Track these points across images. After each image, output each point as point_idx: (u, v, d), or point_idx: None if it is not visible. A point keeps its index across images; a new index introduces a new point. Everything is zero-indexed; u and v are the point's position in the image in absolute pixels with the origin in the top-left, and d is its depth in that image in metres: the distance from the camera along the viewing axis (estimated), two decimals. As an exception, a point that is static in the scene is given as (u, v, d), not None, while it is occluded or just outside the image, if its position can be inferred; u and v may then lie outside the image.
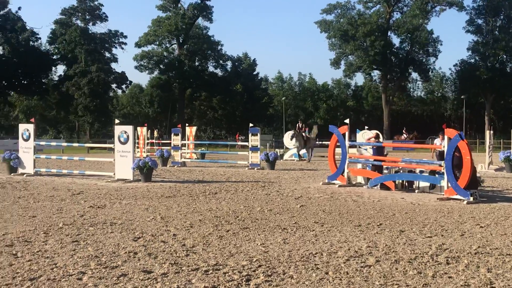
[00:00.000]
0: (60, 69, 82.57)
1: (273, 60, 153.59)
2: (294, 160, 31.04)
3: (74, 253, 6.83)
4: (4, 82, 73.33)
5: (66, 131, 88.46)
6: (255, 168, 22.97)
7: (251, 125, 24.42)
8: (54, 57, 79.91)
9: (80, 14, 78.04)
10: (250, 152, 23.79)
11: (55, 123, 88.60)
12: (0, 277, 5.70)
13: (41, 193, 13.46)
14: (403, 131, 55.99)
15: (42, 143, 28.25)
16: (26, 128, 18.78)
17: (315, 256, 6.76)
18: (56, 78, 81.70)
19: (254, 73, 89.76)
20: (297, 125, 31.14)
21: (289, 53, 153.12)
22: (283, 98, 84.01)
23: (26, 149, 18.66)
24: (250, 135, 23.95)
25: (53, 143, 32.46)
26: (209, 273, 5.94)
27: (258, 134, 23.82)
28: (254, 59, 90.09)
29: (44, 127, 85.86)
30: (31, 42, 76.17)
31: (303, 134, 29.96)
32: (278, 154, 26.03)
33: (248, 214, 10.20)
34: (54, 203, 11.55)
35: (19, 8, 76.38)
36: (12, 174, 18.66)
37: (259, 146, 23.66)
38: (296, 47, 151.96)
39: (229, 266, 6.25)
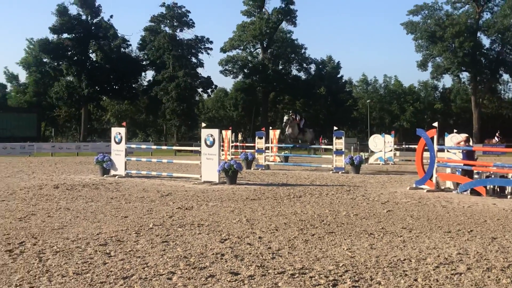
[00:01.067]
0: (149, 75, 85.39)
1: (358, 62, 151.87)
2: (379, 164, 30.51)
3: (164, 253, 7.04)
4: (97, 87, 76.64)
5: (155, 134, 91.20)
6: (340, 172, 22.77)
7: (335, 128, 24.23)
8: (144, 63, 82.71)
9: (168, 21, 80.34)
10: (334, 155, 23.61)
11: (144, 127, 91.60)
12: (95, 275, 5.96)
13: (132, 194, 13.95)
14: (497, 134, 53.80)
15: (133, 146, 29.25)
16: (118, 132, 19.53)
17: (403, 263, 6.61)
18: (145, 83, 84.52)
19: (338, 75, 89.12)
20: (291, 115, 26.57)
21: (374, 55, 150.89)
22: (367, 101, 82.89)
23: (118, 152, 19.40)
24: (334, 138, 23.76)
25: (143, 146, 33.49)
26: (295, 276, 5.95)
27: (343, 138, 23.59)
28: (338, 61, 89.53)
29: (133, 131, 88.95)
30: (122, 49, 79.25)
31: (298, 121, 26.32)
32: (363, 158, 25.68)
33: (333, 218, 10.13)
34: (144, 204, 11.94)
35: (111, 16, 79.51)
36: (104, 175, 19.44)
37: (343, 150, 23.44)
38: (381, 49, 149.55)
39: (315, 270, 6.23)
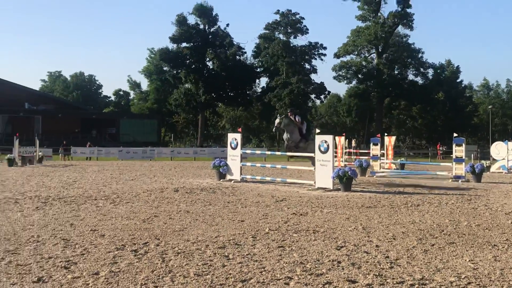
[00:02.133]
0: (263, 81, 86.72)
1: (479, 66, 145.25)
2: (502, 172, 28.96)
3: (280, 258, 7.10)
4: (213, 94, 78.99)
5: (268, 140, 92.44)
6: (460, 180, 21.84)
7: (455, 135, 23.29)
8: (258, 70, 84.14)
9: (282, 28, 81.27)
10: (454, 163, 22.70)
11: (258, 133, 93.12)
12: (215, 277, 6.12)
13: (248, 199, 14.20)
14: None
15: (248, 151, 29.84)
16: (234, 137, 19.99)
17: (532, 278, 6.23)
18: (259, 90, 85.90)
19: (458, 80, 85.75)
20: (289, 114, 19.97)
21: (496, 58, 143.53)
22: (489, 107, 78.99)
23: (233, 157, 19.85)
24: (454, 145, 22.84)
25: (258, 151, 34.07)
26: (415, 287, 5.78)
27: (463, 145, 22.63)
28: (458, 66, 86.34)
29: (247, 136, 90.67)
30: (237, 57, 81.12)
31: (299, 125, 19.64)
32: (485, 166, 24.47)
33: (454, 228, 9.74)
34: (259, 209, 12.12)
35: (227, 25, 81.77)
36: (221, 180, 19.96)
37: (464, 157, 22.48)
38: (504, 52, 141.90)
39: (435, 281, 6.02)
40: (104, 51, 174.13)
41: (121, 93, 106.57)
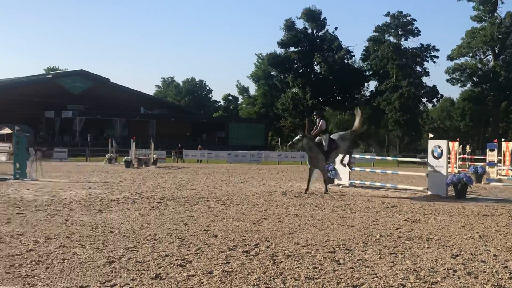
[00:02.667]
0: (372, 85, 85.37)
1: None
2: None
3: (392, 264, 6.95)
4: (320, 98, 78.77)
5: (376, 145, 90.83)
6: None
7: None
8: (367, 73, 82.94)
9: (392, 30, 79.62)
10: None
11: (366, 137, 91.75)
12: (326, 281, 6.10)
13: (357, 204, 14.03)
14: None
15: (357, 156, 29.46)
16: (342, 142, 19.79)
17: None
18: (368, 94, 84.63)
19: None
20: (314, 116, 18.32)
21: None
22: None
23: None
24: None
25: (367, 156, 33.57)
26: (539, 301, 5.46)
27: None
28: None
29: (355, 141, 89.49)
30: (345, 60, 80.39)
31: (321, 137, 17.13)
32: None
33: None
34: (369, 215, 11.94)
35: (336, 29, 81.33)
36: (329, 184, 19.85)
37: None
38: None
39: (562, 296, 5.65)
40: (214, 57, 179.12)
41: (230, 98, 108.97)
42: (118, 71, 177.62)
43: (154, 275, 6.22)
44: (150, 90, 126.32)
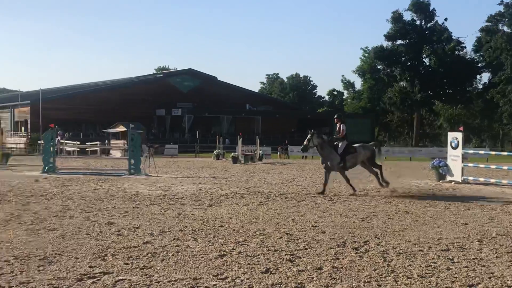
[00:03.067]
0: (485, 77, 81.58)
1: None
2: None
3: (510, 264, 6.62)
4: (430, 92, 76.36)
5: (489, 140, 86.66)
6: None
7: None
8: (479, 65, 79.36)
9: (507, 19, 75.53)
10: None
11: (478, 132, 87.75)
12: (439, 280, 5.92)
13: (470, 201, 13.44)
14: None
15: (470, 151, 28.26)
16: (454, 136, 19.07)
17: None
18: (480, 86, 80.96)
19: None
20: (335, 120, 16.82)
21: None
22: None
23: (454, 157, 18.93)
24: None
25: (481, 152, 32.06)
26: None
27: None
28: None
29: (467, 136, 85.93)
30: (456, 52, 77.33)
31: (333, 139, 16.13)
32: None
33: None
34: (484, 212, 11.42)
35: (445, 20, 78.35)
36: (440, 181, 19.18)
37: None
38: None
39: None
40: (318, 53, 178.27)
41: (335, 93, 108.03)
42: (224, 69, 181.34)
43: (264, 269, 6.31)
44: (255, 87, 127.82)
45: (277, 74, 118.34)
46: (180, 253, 7.10)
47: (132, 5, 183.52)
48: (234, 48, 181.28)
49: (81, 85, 77.36)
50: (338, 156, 15.26)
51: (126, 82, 74.60)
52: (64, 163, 26.63)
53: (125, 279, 5.82)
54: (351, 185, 15.31)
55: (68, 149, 42.97)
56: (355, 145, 16.14)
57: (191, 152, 50.41)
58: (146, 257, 6.83)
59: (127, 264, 6.47)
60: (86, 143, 47.44)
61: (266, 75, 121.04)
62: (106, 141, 52.94)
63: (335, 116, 16.77)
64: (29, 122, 61.22)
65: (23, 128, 62.30)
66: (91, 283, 5.67)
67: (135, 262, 6.57)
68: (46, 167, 21.68)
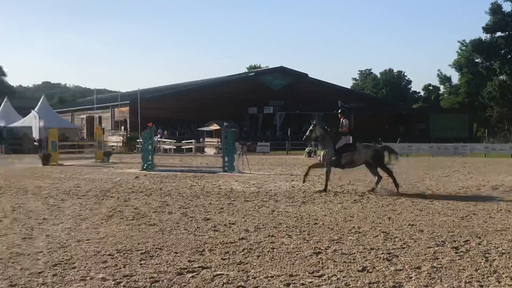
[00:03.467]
0: None
1: None
2: None
3: None
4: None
5: None
6: None
7: None
8: None
9: None
10: None
11: None
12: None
13: None
14: None
15: None
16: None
17: None
18: None
19: None
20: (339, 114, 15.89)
21: None
22: None
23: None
24: None
25: None
26: None
27: None
28: None
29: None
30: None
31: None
32: None
33: None
34: None
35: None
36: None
37: None
38: None
39: None
40: (413, 47, 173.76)
41: (431, 88, 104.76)
42: (315, 66, 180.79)
43: (361, 267, 6.24)
44: (347, 83, 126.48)
45: (370, 69, 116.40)
46: (275, 249, 7.15)
47: (224, 6, 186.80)
48: (325, 44, 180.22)
49: (176, 85, 79.65)
50: (333, 151, 14.62)
51: (219, 81, 75.92)
52: (161, 160, 27.56)
53: (223, 274, 5.94)
54: (326, 184, 14.76)
55: (165, 147, 44.41)
56: (363, 144, 15.35)
57: (282, 150, 50.65)
58: (242, 253, 6.93)
59: (224, 259, 6.60)
60: (182, 141, 48.79)
61: (359, 71, 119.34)
62: (200, 139, 54.24)
63: (339, 111, 15.89)
64: (128, 121, 63.68)
65: (122, 127, 64.89)
66: (190, 277, 5.83)
67: (232, 257, 6.69)
68: (145, 165, 22.52)
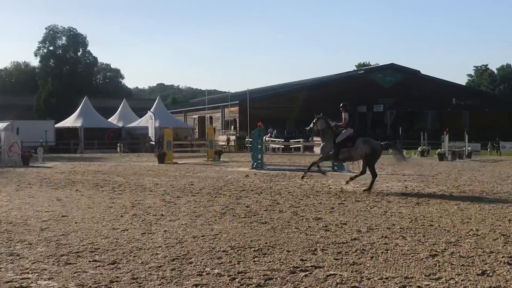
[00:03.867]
0: None
1: None
2: None
3: None
4: None
5: None
6: None
7: None
8: None
9: None
10: None
11: None
12: None
13: None
14: None
15: None
16: None
17: None
18: None
19: None
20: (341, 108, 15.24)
21: None
22: None
23: None
24: None
25: None
26: None
27: None
28: None
29: None
30: None
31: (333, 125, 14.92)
32: None
33: None
34: None
35: None
36: None
37: None
38: None
39: None
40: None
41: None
42: (428, 63, 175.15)
43: (480, 271, 5.98)
44: (462, 80, 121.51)
45: (486, 65, 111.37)
46: (389, 251, 7.00)
47: (334, 3, 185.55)
48: (438, 41, 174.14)
49: (285, 84, 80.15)
50: (331, 145, 14.68)
51: (328, 80, 75.56)
52: (270, 159, 27.85)
53: (336, 274, 5.90)
54: (306, 172, 15.63)
55: (273, 146, 44.84)
56: (362, 139, 15.11)
57: (393, 149, 49.46)
58: (355, 254, 6.85)
59: (336, 259, 6.55)
60: (290, 140, 49.02)
61: (474, 67, 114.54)
62: (309, 138, 54.29)
63: (340, 105, 15.37)
64: (237, 120, 64.95)
65: (232, 127, 66.24)
66: (303, 276, 5.84)
67: (345, 258, 6.63)
68: (255, 163, 22.87)
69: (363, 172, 14.77)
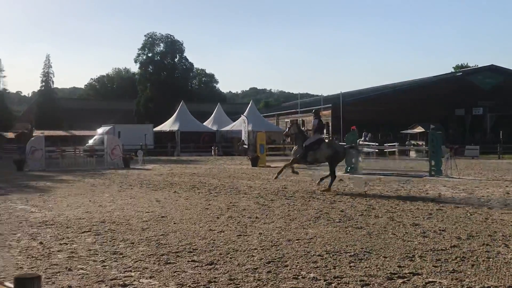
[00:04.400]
0: None
1: None
2: None
3: None
4: None
5: None
6: None
7: None
8: None
9: None
10: None
11: None
12: None
13: None
14: None
15: None
16: None
17: None
18: None
19: None
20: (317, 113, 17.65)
21: None
22: None
23: None
24: None
25: None
26: None
27: None
28: None
29: None
30: None
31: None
32: None
33: None
34: None
35: None
36: None
37: None
38: None
39: None
40: None
41: None
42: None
43: None
44: None
45: None
46: (491, 259, 6.75)
47: (432, 3, 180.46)
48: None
49: (379, 87, 78.83)
50: (301, 148, 15.87)
51: (424, 82, 73.50)
52: (364, 163, 27.46)
53: (435, 281, 5.77)
54: (279, 173, 16.59)
55: (367, 150, 44.14)
56: (327, 142, 16.75)
57: (493, 154, 47.39)
58: (455, 261, 6.65)
59: (435, 266, 6.40)
60: (385, 144, 48.11)
61: None
62: (406, 143, 53.04)
63: (313, 111, 17.50)
64: (330, 124, 64.55)
65: (324, 130, 65.95)
66: (401, 282, 5.75)
67: (444, 265, 6.46)
68: (349, 168, 22.64)
69: (334, 177, 15.71)
